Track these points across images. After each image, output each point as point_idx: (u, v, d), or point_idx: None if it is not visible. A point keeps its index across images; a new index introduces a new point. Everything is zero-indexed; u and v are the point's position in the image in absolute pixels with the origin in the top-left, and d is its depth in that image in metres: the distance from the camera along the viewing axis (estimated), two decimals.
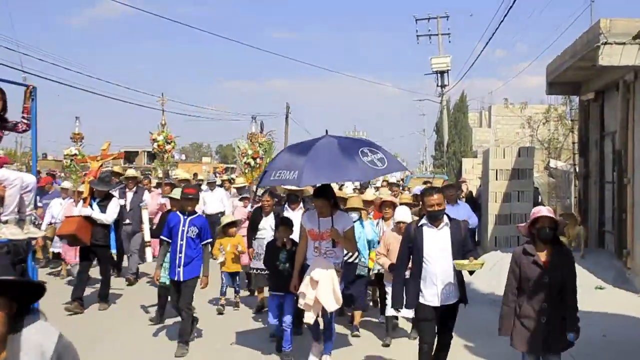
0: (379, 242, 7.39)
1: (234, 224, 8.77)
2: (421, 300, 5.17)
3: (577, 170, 12.65)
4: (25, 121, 5.69)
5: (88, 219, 8.37)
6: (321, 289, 5.59)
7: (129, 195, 10.72)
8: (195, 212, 6.77)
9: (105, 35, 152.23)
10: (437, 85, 32.71)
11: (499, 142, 24.98)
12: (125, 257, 11.07)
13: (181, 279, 6.52)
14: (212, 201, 12.80)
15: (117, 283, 10.09)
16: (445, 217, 5.23)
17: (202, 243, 6.65)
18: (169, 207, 8.62)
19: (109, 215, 8.61)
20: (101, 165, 9.14)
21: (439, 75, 32.39)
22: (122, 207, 9.91)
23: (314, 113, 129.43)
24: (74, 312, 8.14)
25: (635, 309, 7.81)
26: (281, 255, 6.48)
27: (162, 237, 6.78)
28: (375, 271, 7.48)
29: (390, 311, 6.65)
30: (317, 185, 6.01)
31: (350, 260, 7.09)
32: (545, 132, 20.16)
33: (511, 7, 13.07)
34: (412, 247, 5.26)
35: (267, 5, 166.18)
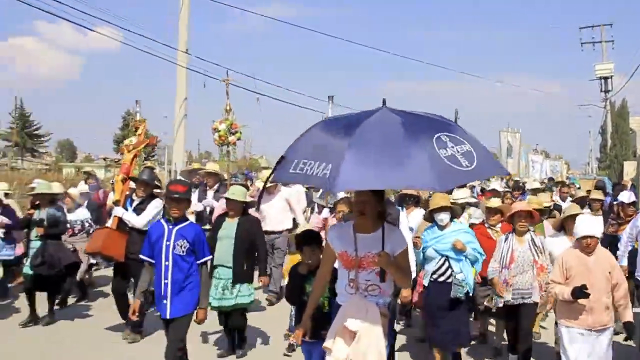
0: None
1: None
2: None
3: None
4: None
5: (120, 229, 6.82)
6: (361, 345, 3.62)
7: (210, 194, 9.03)
8: (185, 219, 4.96)
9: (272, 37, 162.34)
10: (601, 91, 33.96)
11: None
12: None
13: (167, 316, 4.79)
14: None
15: None
16: None
17: (198, 262, 4.88)
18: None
19: (143, 218, 6.73)
20: (135, 157, 7.38)
21: (602, 81, 33.65)
22: (201, 211, 8.80)
23: (481, 115, 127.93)
24: (133, 341, 6.70)
25: None
26: (309, 286, 4.54)
27: (141, 256, 4.99)
28: (508, 300, 5.59)
29: None
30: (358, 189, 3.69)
31: (441, 279, 5.53)
32: None
33: None
34: None
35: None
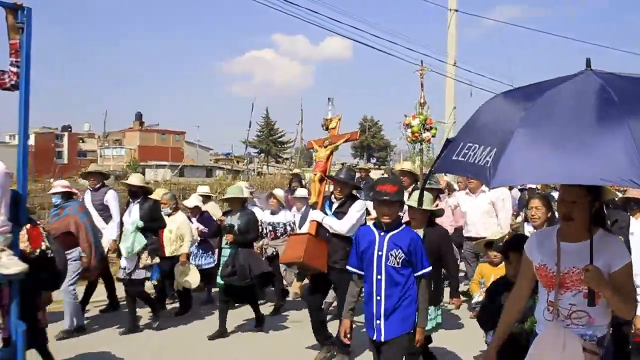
0: None
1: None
2: None
3: None
4: (14, 69, 3.36)
5: (320, 235, 5.91)
6: None
7: (404, 196, 6.77)
8: (399, 224, 4.12)
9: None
10: None
11: None
12: None
13: (381, 339, 3.99)
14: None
15: None
16: None
17: (416, 275, 4.01)
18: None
19: (345, 224, 5.79)
20: (331, 153, 6.48)
21: None
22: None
23: None
24: None
25: None
26: None
27: (349, 267, 4.25)
28: None
29: None
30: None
31: None
32: None
33: None
34: None
35: None
